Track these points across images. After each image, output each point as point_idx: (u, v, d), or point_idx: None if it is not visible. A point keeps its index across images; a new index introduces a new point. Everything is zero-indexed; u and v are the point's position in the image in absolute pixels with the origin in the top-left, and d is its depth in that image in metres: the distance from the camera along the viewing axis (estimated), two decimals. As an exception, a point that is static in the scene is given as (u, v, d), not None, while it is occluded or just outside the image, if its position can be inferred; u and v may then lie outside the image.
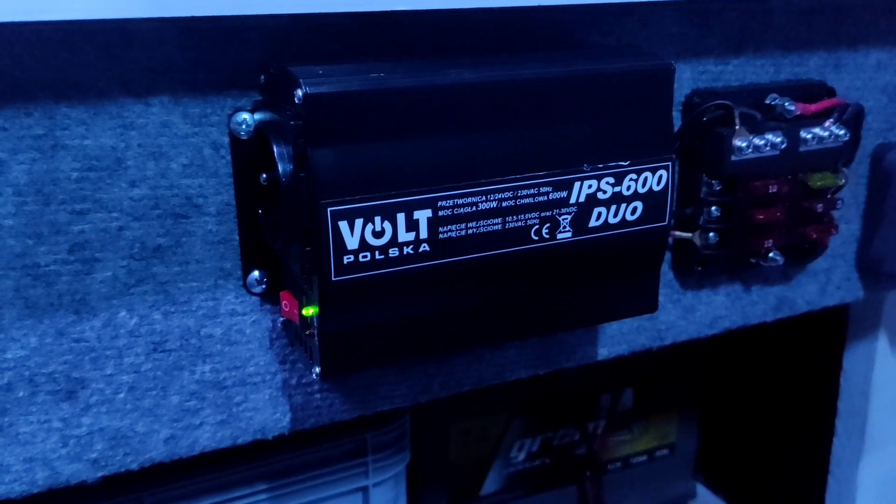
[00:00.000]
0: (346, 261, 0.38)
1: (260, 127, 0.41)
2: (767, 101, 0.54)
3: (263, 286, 0.45)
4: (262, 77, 0.42)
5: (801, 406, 0.89)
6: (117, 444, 0.45)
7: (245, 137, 0.42)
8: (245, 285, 0.45)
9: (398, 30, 0.44)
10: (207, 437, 0.47)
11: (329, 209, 0.37)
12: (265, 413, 0.48)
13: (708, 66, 0.54)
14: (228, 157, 0.43)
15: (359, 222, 0.38)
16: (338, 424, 0.51)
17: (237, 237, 0.44)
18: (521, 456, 0.91)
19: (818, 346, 0.82)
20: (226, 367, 0.46)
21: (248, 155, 0.43)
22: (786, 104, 0.53)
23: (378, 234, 0.39)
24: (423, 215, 0.39)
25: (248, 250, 0.45)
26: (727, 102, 0.52)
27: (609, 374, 0.91)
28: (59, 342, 0.42)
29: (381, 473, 0.64)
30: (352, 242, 0.38)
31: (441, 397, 0.52)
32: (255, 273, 0.45)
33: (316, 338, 0.40)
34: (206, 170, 0.43)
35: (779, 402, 0.93)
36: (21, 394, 0.42)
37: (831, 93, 0.56)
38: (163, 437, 0.46)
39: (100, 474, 0.45)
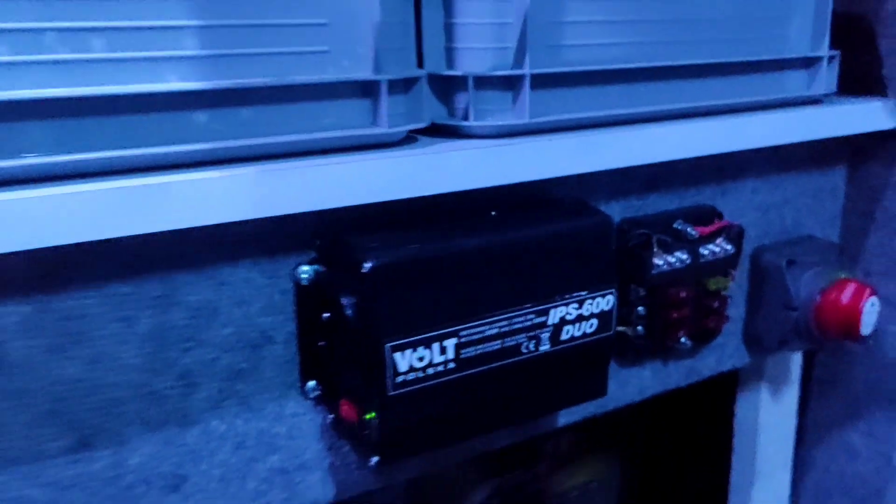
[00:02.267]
0: (398, 380, 0.53)
1: (322, 279, 0.56)
2: (675, 226, 0.71)
3: (318, 392, 0.59)
4: (318, 241, 0.56)
5: (704, 446, 1.08)
6: (208, 524, 0.58)
7: (305, 284, 0.57)
8: (303, 393, 0.59)
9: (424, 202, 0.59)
10: (274, 512, 0.60)
11: (387, 345, 0.52)
12: (317, 489, 0.62)
13: (632, 201, 0.71)
14: (292, 299, 0.57)
15: (408, 352, 0.53)
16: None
17: (298, 357, 0.58)
18: (479, 498, 1.06)
19: (716, 399, 1.01)
20: (288, 456, 0.60)
21: (307, 297, 0.57)
22: (688, 229, 0.71)
23: (420, 359, 0.54)
24: (450, 343, 0.54)
25: (306, 366, 0.58)
26: (647, 231, 0.69)
27: (547, 425, 1.08)
28: (168, 448, 0.55)
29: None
30: (402, 366, 0.53)
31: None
32: (311, 383, 0.59)
33: (375, 436, 0.55)
34: (276, 309, 0.57)
35: (686, 443, 1.12)
36: (139, 490, 0.55)
37: (720, 215, 0.75)
38: (241, 516, 0.59)
39: (194, 551, 0.58)
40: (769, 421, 0.96)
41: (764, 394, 0.94)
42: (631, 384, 0.76)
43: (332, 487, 0.62)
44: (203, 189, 0.49)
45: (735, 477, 1.00)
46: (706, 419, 1.08)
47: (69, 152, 0.46)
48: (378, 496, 0.79)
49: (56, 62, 0.45)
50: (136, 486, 0.55)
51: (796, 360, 0.96)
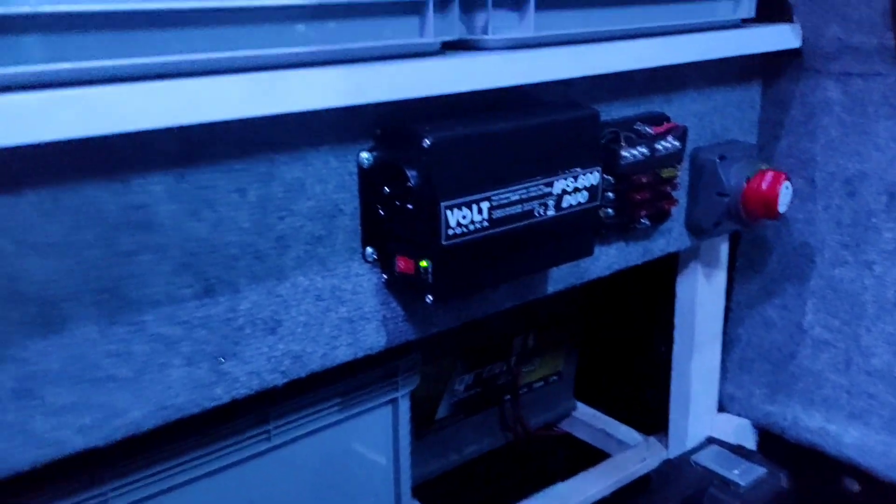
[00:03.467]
0: (449, 233, 0.69)
1: (383, 160, 0.71)
2: (636, 127, 0.90)
3: (375, 256, 0.75)
4: (378, 131, 0.72)
5: (650, 326, 1.28)
6: (296, 361, 0.72)
7: (367, 167, 0.72)
8: (364, 257, 0.74)
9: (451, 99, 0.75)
10: (342, 354, 0.75)
11: (442, 205, 0.68)
12: (373, 337, 0.77)
13: (601, 107, 0.88)
14: (356, 179, 0.72)
15: (456, 211, 0.69)
16: (378, 355, 0.80)
17: (360, 227, 0.74)
18: (462, 388, 1.23)
19: (657, 282, 1.20)
20: (353, 308, 0.75)
21: (367, 177, 0.72)
22: (646, 128, 0.89)
23: (464, 217, 0.70)
24: (485, 206, 0.71)
25: (366, 235, 0.74)
26: (617, 130, 0.87)
27: (519, 321, 1.26)
28: (268, 298, 0.70)
29: (404, 389, 0.94)
30: (452, 222, 0.69)
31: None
32: (369, 248, 0.74)
33: (430, 279, 0.71)
34: (345, 188, 0.72)
35: (634, 328, 1.32)
36: (248, 331, 0.69)
37: (668, 119, 0.93)
38: (319, 355, 0.74)
39: (284, 381, 0.73)
40: (704, 300, 1.15)
41: (700, 277, 1.14)
42: (601, 260, 0.94)
43: (384, 336, 0.78)
44: (304, 82, 0.63)
45: (676, 350, 1.20)
46: (650, 305, 1.28)
47: (211, 50, 0.60)
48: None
49: (200, -18, 0.59)
50: (245, 327, 0.69)
51: (724, 248, 1.16)
